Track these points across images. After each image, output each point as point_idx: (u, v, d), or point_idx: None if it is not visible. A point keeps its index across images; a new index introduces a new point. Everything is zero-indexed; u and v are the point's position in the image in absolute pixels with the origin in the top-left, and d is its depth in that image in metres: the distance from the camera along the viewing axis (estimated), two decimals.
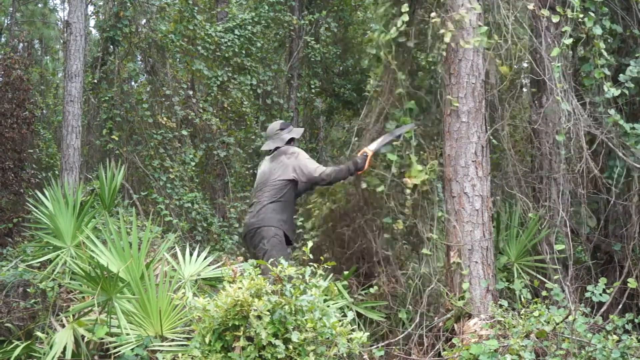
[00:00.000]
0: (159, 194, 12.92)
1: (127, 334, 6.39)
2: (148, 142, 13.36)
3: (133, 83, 14.95)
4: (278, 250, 7.35)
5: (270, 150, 8.12)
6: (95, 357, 6.63)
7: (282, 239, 7.56)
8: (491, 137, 8.38)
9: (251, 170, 16.93)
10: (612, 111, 8.06)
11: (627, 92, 8.18)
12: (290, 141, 8.11)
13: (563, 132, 8.05)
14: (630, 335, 6.28)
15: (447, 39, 7.61)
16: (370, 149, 7.85)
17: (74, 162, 11.57)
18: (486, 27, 7.72)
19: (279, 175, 7.74)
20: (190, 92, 14.78)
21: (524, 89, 10.64)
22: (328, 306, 6.25)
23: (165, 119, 13.96)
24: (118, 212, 9.76)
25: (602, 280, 6.59)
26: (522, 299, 7.27)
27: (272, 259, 6.80)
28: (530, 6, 7.86)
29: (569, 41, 7.94)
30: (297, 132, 8.25)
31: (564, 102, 7.86)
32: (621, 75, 8.28)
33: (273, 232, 7.51)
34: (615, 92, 7.97)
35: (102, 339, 6.43)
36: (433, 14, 7.76)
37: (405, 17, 7.83)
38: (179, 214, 13.13)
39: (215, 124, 14.69)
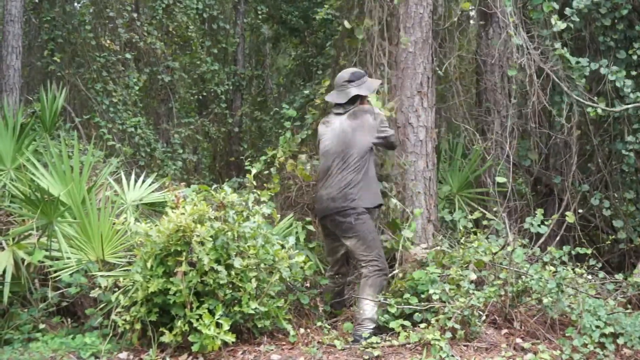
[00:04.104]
0: (102, 118, 12.72)
1: (68, 258, 6.35)
2: (91, 65, 13.09)
3: (76, 4, 14.56)
4: (369, 231, 6.43)
5: (341, 104, 6.63)
6: (36, 281, 6.59)
7: (370, 218, 6.53)
8: (437, 69, 8.39)
9: (196, 96, 16.75)
10: (558, 45, 8.11)
11: (572, 25, 8.23)
12: (355, 99, 6.60)
13: (515, 67, 8.09)
14: (566, 267, 6.44)
15: None
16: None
17: (14, 83, 11.28)
18: None
19: (365, 137, 6.42)
20: (135, 15, 14.47)
21: (472, 21, 10.64)
22: (272, 234, 6.30)
23: (108, 41, 13.69)
24: (59, 135, 9.60)
25: (540, 212, 6.71)
26: (462, 230, 7.38)
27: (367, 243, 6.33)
28: None
29: None
30: (368, 87, 6.66)
31: (516, 36, 7.87)
32: (567, 9, 8.31)
33: (363, 217, 6.39)
34: (562, 25, 7.99)
35: (42, 262, 6.38)
36: None
37: None
38: (121, 138, 12.97)
39: (160, 48, 14.46)
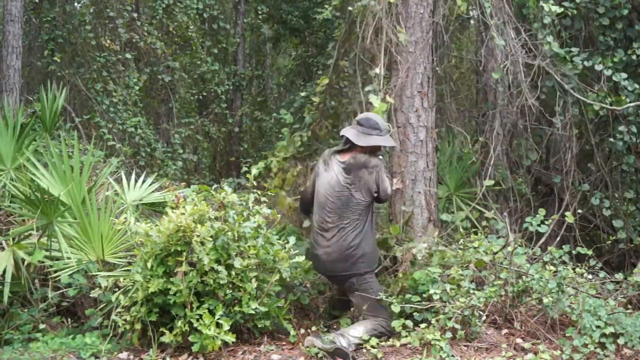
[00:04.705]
0: (102, 118, 12.73)
1: (68, 258, 6.35)
2: (91, 65, 13.10)
3: (76, 4, 14.56)
4: (375, 291, 6.21)
5: (345, 142, 6.35)
6: (36, 281, 6.59)
7: (372, 271, 6.35)
8: (437, 69, 8.38)
9: (196, 96, 16.76)
10: (549, 38, 8.06)
11: (570, 13, 8.20)
12: (373, 152, 6.32)
13: (500, 69, 8.07)
14: (566, 267, 6.43)
15: None
16: None
17: (14, 83, 11.30)
18: None
19: (362, 195, 6.15)
20: (135, 15, 14.48)
21: (472, 21, 10.65)
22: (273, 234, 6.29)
23: (108, 41, 13.69)
24: (60, 135, 9.60)
25: (541, 212, 6.70)
26: (462, 230, 7.38)
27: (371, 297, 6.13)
28: None
29: None
30: (388, 141, 6.45)
31: (498, 37, 7.85)
32: (564, 2, 8.30)
33: (366, 278, 6.21)
34: (558, 9, 7.90)
35: (43, 262, 6.38)
36: None
37: None
38: (122, 138, 12.98)
39: (160, 47, 14.47)
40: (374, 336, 5.95)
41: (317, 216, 6.30)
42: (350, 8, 7.93)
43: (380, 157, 6.37)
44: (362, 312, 6.16)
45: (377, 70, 7.18)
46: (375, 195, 6.19)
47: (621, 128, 8.43)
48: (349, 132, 6.28)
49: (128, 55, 13.77)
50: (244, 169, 7.76)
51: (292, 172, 8.02)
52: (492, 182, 8.15)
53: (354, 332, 5.94)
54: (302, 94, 11.03)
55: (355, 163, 6.17)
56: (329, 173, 6.26)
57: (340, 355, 5.70)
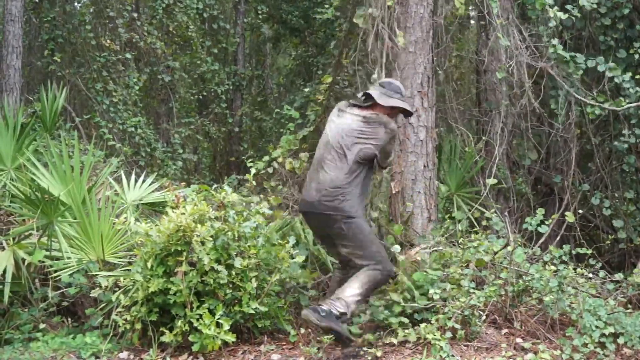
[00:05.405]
0: (102, 118, 12.74)
1: (68, 258, 6.36)
2: (91, 65, 13.10)
3: (76, 3, 14.56)
4: (365, 235, 5.90)
5: (366, 99, 6.15)
6: (36, 281, 6.59)
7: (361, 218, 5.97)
8: (437, 69, 8.39)
9: (196, 96, 16.76)
10: (554, 41, 8.07)
11: (573, 19, 8.21)
12: (393, 112, 6.20)
13: (503, 69, 8.07)
14: (566, 266, 6.44)
15: None
16: None
17: (14, 83, 11.31)
18: None
19: (369, 146, 5.89)
20: (135, 15, 14.48)
21: (472, 21, 10.65)
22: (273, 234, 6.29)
23: (108, 41, 13.69)
24: (60, 135, 9.60)
25: (540, 211, 6.70)
26: (461, 229, 7.38)
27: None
28: None
29: None
30: (409, 105, 6.31)
31: (504, 37, 7.85)
32: (567, 5, 8.30)
33: (353, 221, 5.85)
34: (563, 16, 7.90)
35: (43, 262, 6.38)
36: None
37: None
38: (122, 138, 12.98)
39: (160, 47, 14.47)
40: (371, 287, 5.77)
41: (318, 153, 6.08)
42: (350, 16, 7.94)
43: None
44: (357, 262, 5.84)
45: (375, 76, 7.19)
46: (377, 155, 5.91)
47: (624, 131, 8.43)
48: (372, 91, 6.10)
49: (128, 55, 13.77)
50: (249, 163, 7.72)
51: (303, 157, 8.00)
52: (496, 181, 8.15)
53: (349, 291, 5.69)
54: (306, 89, 11.05)
55: (376, 119, 5.94)
56: (342, 119, 6.03)
57: (334, 335, 5.62)
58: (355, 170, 5.85)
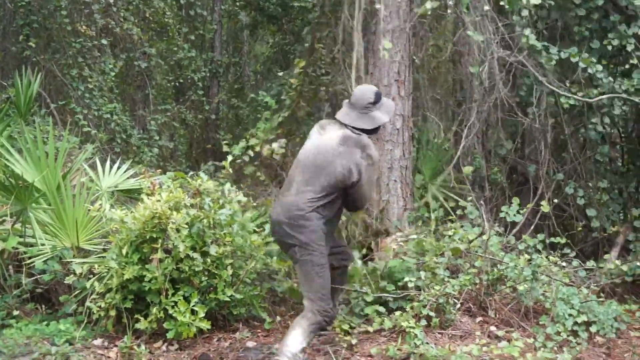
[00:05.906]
0: (77, 104, 12.62)
1: (42, 245, 6.32)
2: (66, 51, 12.96)
3: None
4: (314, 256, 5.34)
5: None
6: (10, 267, 6.55)
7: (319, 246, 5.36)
8: (414, 58, 8.40)
9: (172, 83, 16.68)
10: (527, 31, 8.06)
11: (547, 5, 8.22)
12: (374, 130, 5.62)
13: (477, 64, 8.09)
14: (540, 255, 6.49)
15: None
16: None
17: None
18: None
19: (342, 168, 5.32)
20: (111, 0, 14.35)
21: (449, 10, 10.65)
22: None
23: (84, 27, 13.55)
24: (34, 121, 9.52)
25: (515, 201, 6.74)
26: (435, 218, 7.41)
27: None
28: None
29: None
30: (387, 109, 5.66)
31: (475, 33, 7.85)
32: None
33: (308, 248, 5.32)
34: (536, 1, 7.88)
35: (17, 248, 6.34)
36: None
37: None
38: (97, 124, 12.88)
39: (137, 33, 14.35)
40: (315, 332, 5.36)
41: (290, 171, 5.63)
42: None
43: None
44: (302, 292, 5.44)
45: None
46: (350, 184, 5.34)
47: (594, 120, 8.49)
48: (347, 118, 5.51)
49: (104, 41, 13.64)
50: (225, 147, 7.69)
51: (282, 144, 8.02)
52: (472, 168, 8.19)
53: (292, 340, 5.18)
54: (280, 73, 11.03)
55: (354, 139, 5.41)
56: (323, 137, 5.52)
57: None
58: (323, 195, 5.34)
